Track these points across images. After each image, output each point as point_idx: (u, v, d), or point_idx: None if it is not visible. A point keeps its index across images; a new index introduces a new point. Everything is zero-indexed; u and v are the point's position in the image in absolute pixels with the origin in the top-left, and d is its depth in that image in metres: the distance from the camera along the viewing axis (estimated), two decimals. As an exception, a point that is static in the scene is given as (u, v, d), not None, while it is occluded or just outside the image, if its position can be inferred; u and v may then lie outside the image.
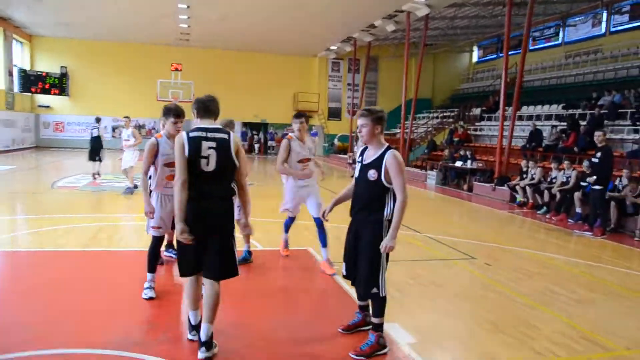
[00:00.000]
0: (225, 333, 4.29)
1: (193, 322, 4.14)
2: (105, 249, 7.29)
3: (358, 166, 4.15)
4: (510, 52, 17.22)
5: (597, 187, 9.93)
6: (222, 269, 3.89)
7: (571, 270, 7.32)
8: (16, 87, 27.60)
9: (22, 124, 28.37)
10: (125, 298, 5.22)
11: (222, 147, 3.81)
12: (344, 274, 4.33)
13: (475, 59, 32.70)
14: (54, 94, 29.51)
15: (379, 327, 4.14)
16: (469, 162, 16.94)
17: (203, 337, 3.86)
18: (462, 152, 17.79)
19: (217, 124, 3.99)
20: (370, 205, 4.05)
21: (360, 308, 4.58)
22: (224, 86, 31.45)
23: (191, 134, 3.79)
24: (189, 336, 4.18)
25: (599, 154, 9.89)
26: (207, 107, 3.95)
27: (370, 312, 4.27)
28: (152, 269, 5.22)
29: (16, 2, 22.60)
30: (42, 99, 30.04)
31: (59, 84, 29.54)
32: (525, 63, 16.81)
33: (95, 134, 14.85)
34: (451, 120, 25.34)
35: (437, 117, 27.65)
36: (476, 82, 30.40)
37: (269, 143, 34.51)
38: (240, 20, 24.10)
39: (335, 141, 32.26)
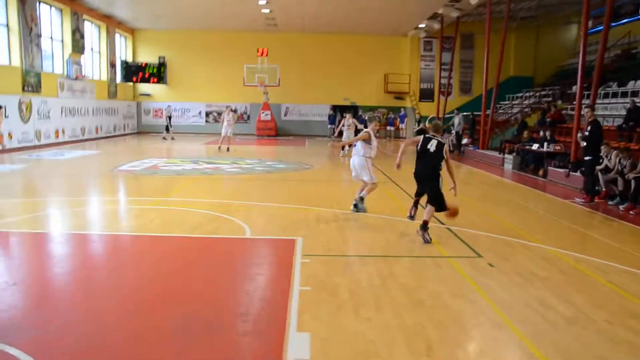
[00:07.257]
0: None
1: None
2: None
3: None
4: (622, 21, 14.98)
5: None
6: None
7: (597, 279, 5.93)
8: (119, 78, 29.67)
9: (125, 111, 30.43)
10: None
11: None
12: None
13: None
14: (153, 82, 31.29)
15: None
16: (545, 144, 15.01)
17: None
18: (541, 133, 15.84)
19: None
20: None
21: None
22: (311, 69, 31.39)
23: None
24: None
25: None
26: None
27: None
28: None
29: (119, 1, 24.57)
30: (143, 87, 31.97)
31: (157, 73, 31.23)
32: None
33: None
34: (550, 99, 22.79)
35: (535, 96, 25.07)
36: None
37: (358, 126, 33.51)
38: (323, 2, 23.63)
39: (426, 123, 30.68)
